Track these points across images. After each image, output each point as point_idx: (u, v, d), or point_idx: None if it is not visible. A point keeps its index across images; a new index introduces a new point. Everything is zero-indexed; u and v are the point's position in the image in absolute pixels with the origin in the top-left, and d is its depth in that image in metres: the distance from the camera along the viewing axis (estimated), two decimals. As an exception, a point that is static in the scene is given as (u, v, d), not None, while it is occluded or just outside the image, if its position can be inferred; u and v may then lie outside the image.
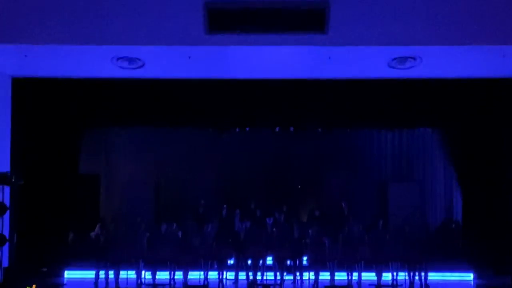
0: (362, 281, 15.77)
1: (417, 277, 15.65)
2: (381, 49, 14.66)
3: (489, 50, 14.54)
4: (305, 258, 16.27)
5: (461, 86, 16.81)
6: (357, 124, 18.56)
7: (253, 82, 16.52)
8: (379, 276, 15.68)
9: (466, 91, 16.98)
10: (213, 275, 15.91)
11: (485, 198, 17.09)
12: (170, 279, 15.83)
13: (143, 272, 16.04)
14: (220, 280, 15.74)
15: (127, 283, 15.39)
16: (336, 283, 15.51)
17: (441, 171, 19.41)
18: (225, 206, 18.09)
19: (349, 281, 15.65)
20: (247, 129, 19.15)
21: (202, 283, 15.48)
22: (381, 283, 15.49)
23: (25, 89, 16.65)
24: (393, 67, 15.58)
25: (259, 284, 15.34)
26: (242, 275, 16.16)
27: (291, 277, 16.06)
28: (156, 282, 15.65)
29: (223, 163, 19.82)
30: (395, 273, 15.88)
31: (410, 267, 15.70)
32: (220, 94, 17.12)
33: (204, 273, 15.82)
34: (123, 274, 15.73)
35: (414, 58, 15.18)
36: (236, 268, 16.25)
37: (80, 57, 15.22)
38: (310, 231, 16.46)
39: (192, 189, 19.38)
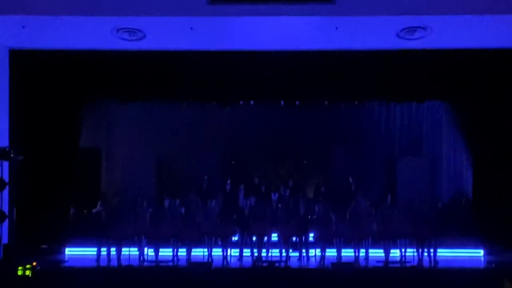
0: (369, 258, 15.79)
1: (426, 254, 15.65)
2: (389, 19, 14.65)
3: (502, 19, 14.52)
4: (311, 235, 16.28)
5: (473, 57, 16.73)
6: (364, 97, 18.41)
7: (257, 53, 16.54)
8: (387, 252, 15.60)
9: (478, 63, 16.85)
10: (217, 252, 15.87)
11: (496, 172, 17.00)
12: (173, 256, 15.83)
13: (145, 249, 16.09)
14: (224, 257, 15.76)
15: (129, 260, 15.26)
16: (343, 259, 15.50)
17: (451, 145, 19.16)
18: (229, 181, 17.98)
19: (356, 257, 15.66)
20: (251, 102, 18.93)
21: (206, 260, 15.48)
22: (389, 260, 15.42)
23: (23, 61, 16.68)
24: (402, 38, 15.67)
25: (264, 261, 15.39)
26: (246, 252, 16.11)
27: (297, 254, 16.10)
28: (159, 259, 15.67)
29: (227, 137, 19.67)
30: (403, 250, 15.81)
31: (418, 244, 15.69)
32: (223, 66, 17.03)
33: (208, 250, 15.78)
34: (125, 251, 15.62)
35: (424, 28, 15.22)
36: (241, 245, 16.24)
37: (79, 29, 15.33)
38: (316, 207, 16.41)
39: (195, 164, 19.25)
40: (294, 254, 16.08)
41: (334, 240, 15.79)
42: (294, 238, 16.13)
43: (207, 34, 15.56)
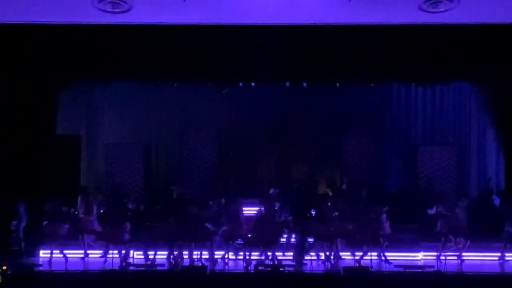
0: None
1: (450, 257, 15.68)
2: (410, -12, 14.59)
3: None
4: (317, 235, 16.13)
5: (506, 33, 16.53)
6: (382, 78, 18.47)
7: (259, 28, 16.32)
8: (406, 256, 15.79)
9: (511, 39, 16.71)
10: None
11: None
12: (168, 258, 15.90)
13: (131, 251, 16.17)
14: (223, 260, 15.94)
15: (112, 264, 15.26)
16: (355, 263, 15.56)
17: (481, 133, 19.42)
18: (223, 172, 18.26)
19: (371, 261, 15.45)
20: (253, 84, 18.92)
21: (201, 263, 15.62)
22: (408, 264, 15.27)
23: (-6, 37, 16.36)
24: (424, 11, 15.48)
25: (267, 265, 15.22)
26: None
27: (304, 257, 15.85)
28: (156, 262, 15.61)
29: (224, 124, 19.96)
30: (423, 253, 16.01)
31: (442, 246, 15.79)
32: (220, 43, 17.00)
33: (199, 254, 15.98)
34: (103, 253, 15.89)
35: (449, 0, 15.07)
36: (243, 248, 16.15)
37: (57, 0, 15.15)
38: (325, 203, 16.41)
39: (188, 155, 19.51)
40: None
41: (346, 242, 15.92)
42: (300, 240, 16.01)
43: (202, 5, 15.26)
